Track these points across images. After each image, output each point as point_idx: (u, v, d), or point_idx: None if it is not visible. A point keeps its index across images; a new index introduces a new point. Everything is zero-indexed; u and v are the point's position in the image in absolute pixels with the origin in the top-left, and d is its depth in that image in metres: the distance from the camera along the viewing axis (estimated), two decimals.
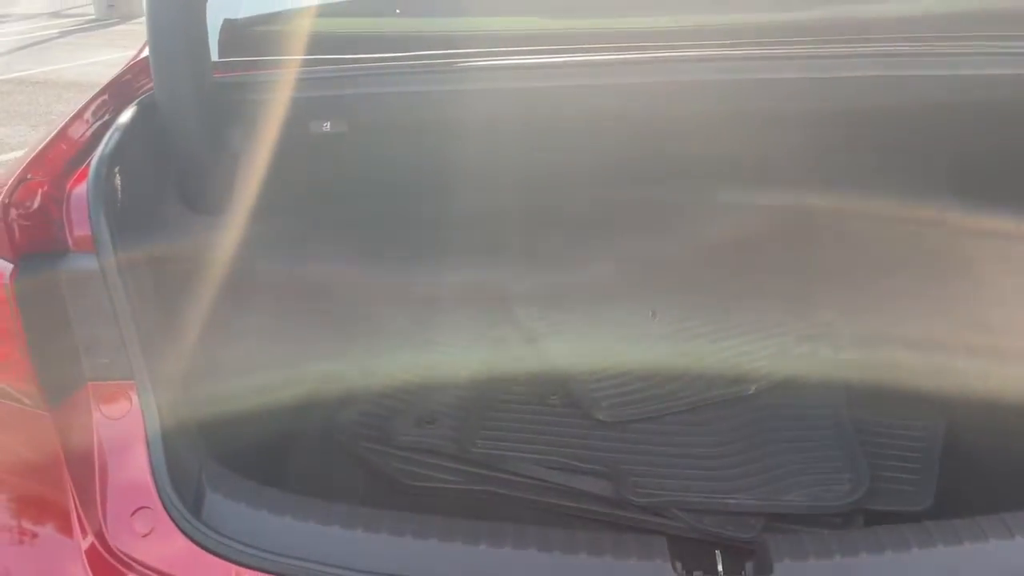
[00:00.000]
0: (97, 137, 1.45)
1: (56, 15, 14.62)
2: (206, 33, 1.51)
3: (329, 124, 1.64)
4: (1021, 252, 1.96)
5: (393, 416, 2.03)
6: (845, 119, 1.81)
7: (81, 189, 1.34)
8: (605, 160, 2.21)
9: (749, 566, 1.29)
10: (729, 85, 1.63)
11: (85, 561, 1.27)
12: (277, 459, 1.91)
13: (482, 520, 1.32)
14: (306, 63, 1.65)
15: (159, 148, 1.54)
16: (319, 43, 1.74)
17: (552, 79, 1.58)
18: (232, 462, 1.51)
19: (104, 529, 1.26)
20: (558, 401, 2.07)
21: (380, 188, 2.18)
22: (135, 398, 1.31)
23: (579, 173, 2.30)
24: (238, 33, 1.79)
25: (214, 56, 1.64)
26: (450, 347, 2.35)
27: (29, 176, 1.35)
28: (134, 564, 1.24)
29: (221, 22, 1.82)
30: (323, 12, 2.03)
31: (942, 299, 2.22)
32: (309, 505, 1.33)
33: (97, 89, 1.68)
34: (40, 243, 1.33)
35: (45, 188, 1.34)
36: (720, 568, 1.30)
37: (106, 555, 1.25)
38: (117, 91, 1.66)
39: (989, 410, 1.98)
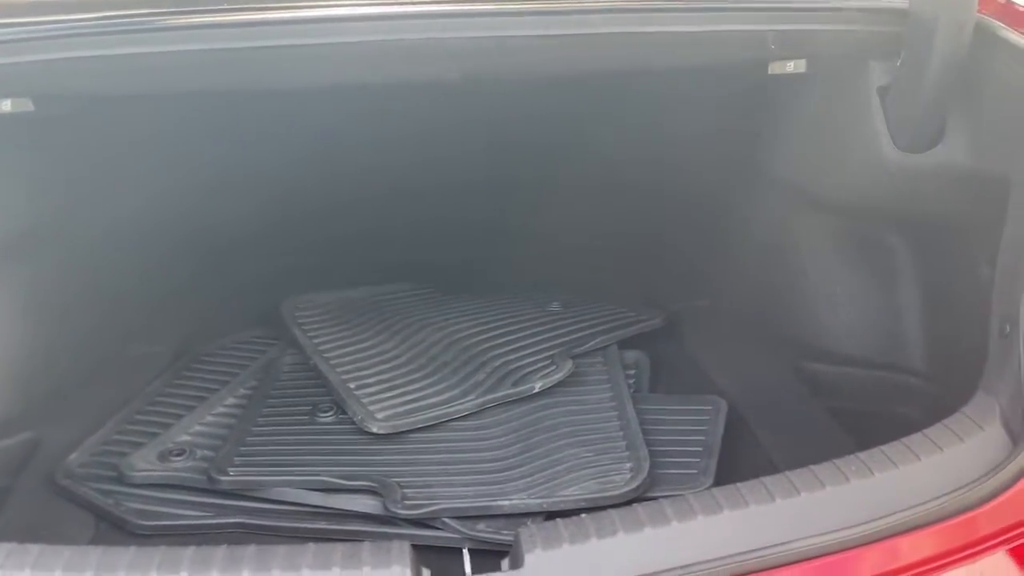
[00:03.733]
0: None
1: None
2: None
3: (9, 103, 1.39)
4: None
5: (133, 452, 1.76)
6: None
7: None
8: (360, 139, 2.07)
9: (503, 563, 1.15)
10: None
11: None
12: None
13: None
14: None
15: None
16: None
17: (282, 37, 1.39)
18: None
19: None
20: (331, 417, 1.87)
21: (92, 182, 1.92)
22: None
23: (335, 153, 2.15)
24: None
25: None
26: (209, 367, 2.11)
27: None
28: None
29: None
30: None
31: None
32: None
33: None
34: None
35: None
36: (468, 569, 1.14)
37: None
38: None
39: (766, 384, 1.98)
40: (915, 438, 1.28)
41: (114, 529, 1.59)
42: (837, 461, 1.25)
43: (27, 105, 1.41)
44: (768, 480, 1.22)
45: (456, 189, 2.42)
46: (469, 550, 1.49)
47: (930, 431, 1.29)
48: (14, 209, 1.67)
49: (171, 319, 2.30)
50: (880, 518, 1.15)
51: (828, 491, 1.18)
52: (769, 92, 1.90)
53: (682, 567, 1.09)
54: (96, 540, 1.56)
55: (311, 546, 1.11)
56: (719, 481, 1.62)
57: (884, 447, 1.27)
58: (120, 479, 1.68)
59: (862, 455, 1.26)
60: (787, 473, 1.23)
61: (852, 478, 1.21)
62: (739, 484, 1.22)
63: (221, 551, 1.08)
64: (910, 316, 1.94)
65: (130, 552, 1.08)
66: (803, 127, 1.88)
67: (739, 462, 1.73)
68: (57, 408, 1.86)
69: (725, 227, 2.24)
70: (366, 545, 1.11)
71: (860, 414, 1.95)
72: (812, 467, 1.24)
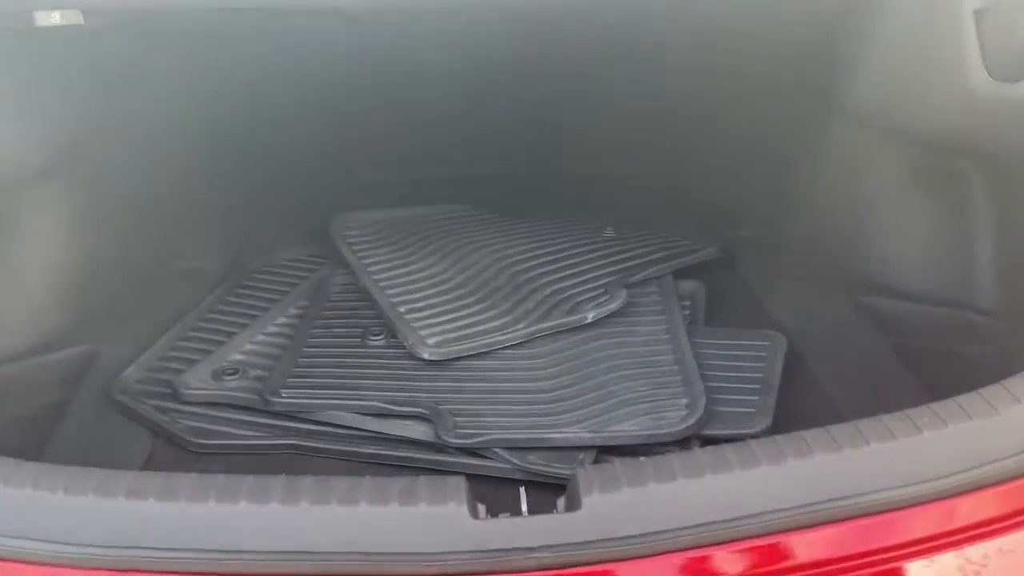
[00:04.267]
0: None
1: None
2: None
3: (59, 15, 1.34)
4: None
5: (187, 369, 1.77)
6: None
7: None
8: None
9: (559, 503, 1.13)
10: None
11: None
12: (39, 432, 1.63)
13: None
14: None
15: None
16: None
17: None
18: None
19: None
20: (382, 341, 1.86)
21: (137, 95, 1.88)
22: None
23: (385, 69, 2.12)
24: None
25: None
26: (260, 285, 2.11)
27: None
28: None
29: None
30: None
31: None
32: (17, 469, 1.07)
33: None
34: None
35: None
36: (524, 507, 1.13)
37: None
38: None
39: (826, 318, 1.92)
40: (993, 389, 1.21)
41: (170, 445, 1.62)
42: (909, 411, 1.19)
43: (77, 18, 1.36)
44: (835, 428, 1.17)
45: (509, 108, 2.34)
46: (517, 480, 1.49)
47: (1009, 382, 1.23)
48: (60, 124, 1.64)
49: (220, 235, 2.29)
50: (955, 473, 1.10)
51: (899, 442, 1.14)
52: (851, 14, 1.77)
53: (744, 517, 1.06)
54: (153, 456, 1.60)
55: (368, 479, 1.10)
56: (776, 421, 1.59)
57: (959, 398, 1.21)
58: (175, 396, 1.70)
59: (935, 406, 1.20)
60: (856, 422, 1.19)
61: (925, 430, 1.15)
62: (804, 432, 1.17)
63: (279, 481, 1.08)
64: (983, 253, 1.85)
65: (190, 479, 1.08)
66: (886, 53, 1.75)
67: (797, 401, 1.69)
68: (110, 322, 1.87)
69: (790, 154, 2.14)
70: (422, 480, 1.10)
71: (924, 352, 1.89)
72: (882, 416, 1.19)
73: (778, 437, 1.17)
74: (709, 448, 1.16)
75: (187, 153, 2.17)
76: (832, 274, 2.08)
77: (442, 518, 1.06)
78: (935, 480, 1.10)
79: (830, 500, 1.08)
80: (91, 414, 1.70)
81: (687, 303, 2.02)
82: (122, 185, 1.93)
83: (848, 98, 1.89)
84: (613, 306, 1.88)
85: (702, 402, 1.57)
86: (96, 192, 1.82)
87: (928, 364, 1.86)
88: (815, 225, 2.14)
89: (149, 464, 1.58)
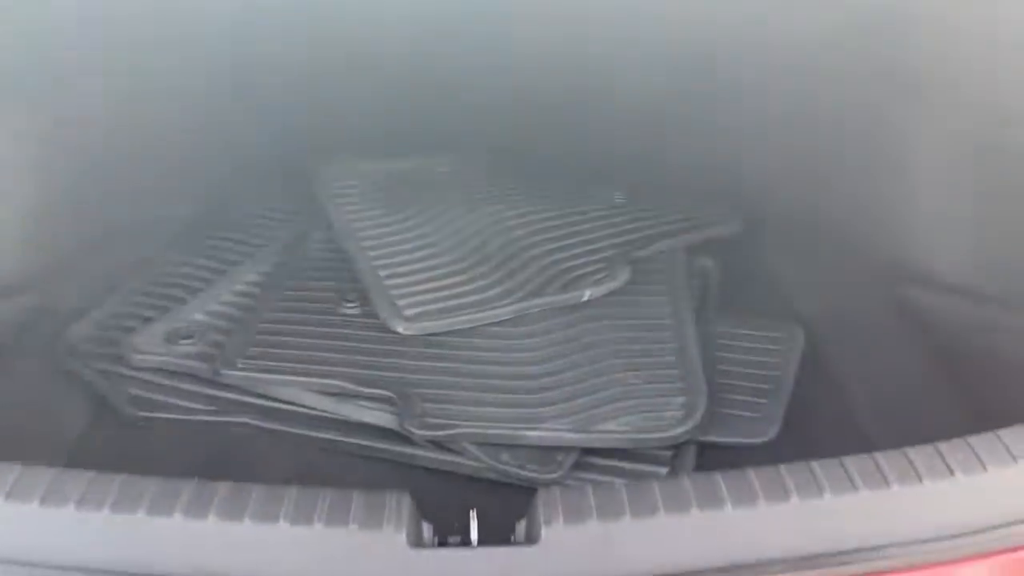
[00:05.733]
0: None
1: None
2: None
3: None
4: None
5: (140, 330, 1.62)
6: None
7: None
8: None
9: (518, 528, 0.97)
10: None
11: None
12: None
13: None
14: None
15: None
16: None
17: None
18: None
19: None
20: (355, 309, 1.69)
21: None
22: None
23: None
24: None
25: None
26: (232, 237, 1.93)
27: None
28: None
29: None
30: None
31: None
32: None
33: None
34: None
35: None
36: (474, 535, 0.96)
37: None
38: None
39: (855, 311, 1.71)
40: None
41: (113, 414, 1.47)
42: (941, 445, 1.01)
43: None
44: (850, 461, 0.99)
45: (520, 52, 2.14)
46: (488, 481, 1.33)
47: None
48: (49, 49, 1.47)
49: (196, 178, 2.11)
50: (994, 528, 0.92)
51: (926, 486, 0.95)
52: None
53: (732, 568, 0.89)
54: (92, 426, 1.45)
55: (293, 491, 0.94)
56: (786, 430, 1.41)
57: (1002, 432, 1.02)
58: (122, 360, 1.55)
59: (973, 440, 1.01)
60: (875, 455, 1.00)
61: (958, 471, 0.97)
62: (814, 463, 0.99)
63: (189, 489, 0.93)
64: None
65: (86, 479, 0.93)
66: (957, 9, 1.51)
67: (813, 408, 1.50)
68: (65, 271, 1.71)
69: (836, 121, 1.90)
70: (357, 495, 0.94)
71: (969, 357, 1.69)
72: (907, 450, 1.01)
73: (783, 468, 0.99)
74: (699, 476, 0.98)
75: (172, 87, 1.98)
76: (866, 259, 1.87)
77: (374, 544, 0.90)
78: (972, 536, 0.92)
79: (839, 553, 0.91)
80: (32, 373, 1.55)
81: (697, 282, 1.82)
82: (105, 119, 1.75)
83: (909, 62, 1.66)
84: (613, 284, 1.69)
85: (702, 403, 1.39)
86: (76, 127, 1.65)
87: (967, 371, 1.66)
88: (854, 202, 1.92)
89: (87, 435, 1.43)
